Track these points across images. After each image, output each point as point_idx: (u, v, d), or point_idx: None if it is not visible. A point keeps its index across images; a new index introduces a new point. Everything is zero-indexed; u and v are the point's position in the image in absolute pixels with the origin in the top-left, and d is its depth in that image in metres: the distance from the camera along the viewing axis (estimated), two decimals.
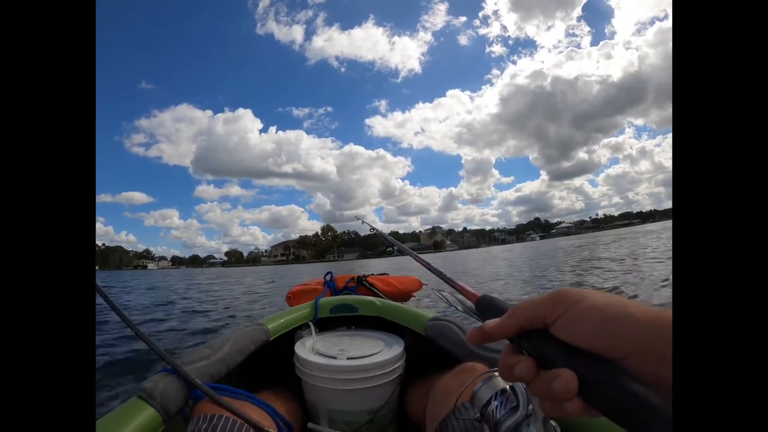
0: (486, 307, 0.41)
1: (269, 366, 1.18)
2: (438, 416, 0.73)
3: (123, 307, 0.91)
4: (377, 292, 1.64)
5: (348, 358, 1.02)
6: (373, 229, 1.14)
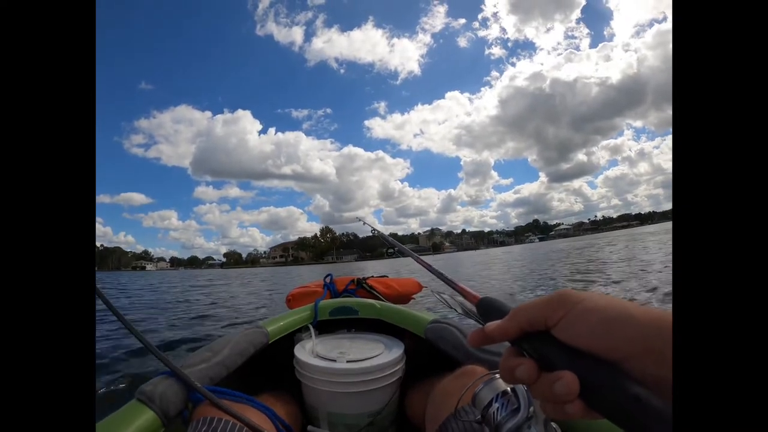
0: (487, 309, 0.41)
1: (269, 369, 1.18)
2: (438, 419, 0.73)
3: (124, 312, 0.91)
4: (377, 294, 1.64)
5: (348, 361, 1.02)
6: (375, 231, 1.14)
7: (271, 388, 1.03)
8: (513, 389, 0.51)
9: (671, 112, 0.30)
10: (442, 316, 1.19)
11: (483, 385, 0.54)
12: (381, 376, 1.01)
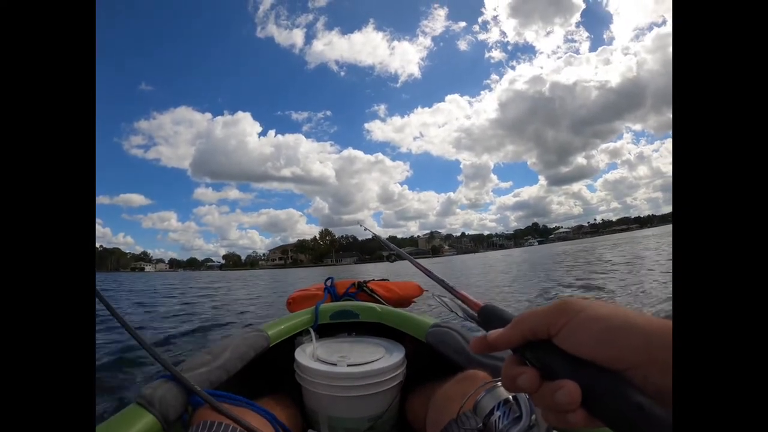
0: (489, 316, 0.41)
1: (269, 372, 1.17)
2: (439, 424, 0.73)
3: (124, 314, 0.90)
4: (378, 298, 1.63)
5: (348, 365, 1.02)
6: (375, 235, 1.14)
7: (272, 392, 1.03)
8: (515, 397, 0.50)
9: (671, 116, 0.30)
10: (443, 320, 1.18)
11: (485, 392, 0.54)
12: (382, 381, 1.00)
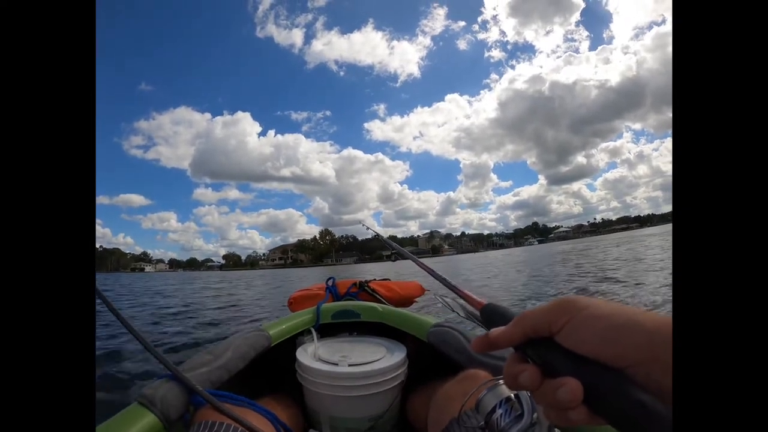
0: (491, 314, 0.41)
1: (271, 372, 1.17)
2: (440, 423, 0.73)
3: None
4: (379, 297, 1.63)
5: (350, 365, 1.02)
6: (379, 235, 1.14)
7: (273, 392, 1.03)
8: (517, 395, 0.50)
9: (670, 115, 0.30)
10: (444, 319, 1.18)
11: (486, 390, 0.54)
12: (383, 380, 1.00)
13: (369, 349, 1.13)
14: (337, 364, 1.02)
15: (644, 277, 6.91)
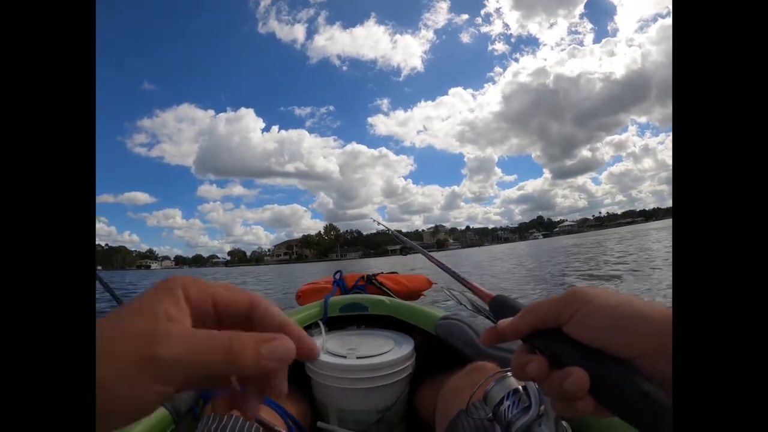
0: (499, 307, 0.41)
1: None
2: (448, 415, 0.73)
3: None
4: (387, 291, 1.63)
5: (358, 358, 1.02)
6: (389, 230, 1.14)
7: None
8: (524, 387, 0.51)
9: None
10: (452, 312, 1.18)
11: (494, 383, 0.54)
12: (391, 373, 1.01)
13: (377, 341, 1.13)
14: (345, 357, 1.03)
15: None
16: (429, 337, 1.15)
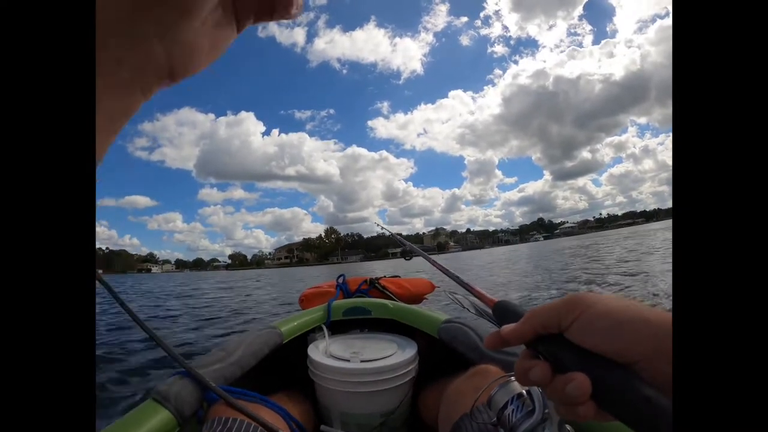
0: (503, 312, 0.41)
1: (282, 369, 1.18)
2: (452, 419, 0.73)
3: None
4: (390, 294, 1.63)
5: (361, 361, 1.02)
6: (392, 234, 1.14)
7: (285, 388, 1.04)
8: (528, 392, 0.51)
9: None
10: (455, 316, 1.18)
11: (498, 387, 0.54)
12: (394, 376, 1.01)
13: (380, 345, 1.13)
14: (348, 361, 1.03)
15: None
16: (432, 340, 1.15)
